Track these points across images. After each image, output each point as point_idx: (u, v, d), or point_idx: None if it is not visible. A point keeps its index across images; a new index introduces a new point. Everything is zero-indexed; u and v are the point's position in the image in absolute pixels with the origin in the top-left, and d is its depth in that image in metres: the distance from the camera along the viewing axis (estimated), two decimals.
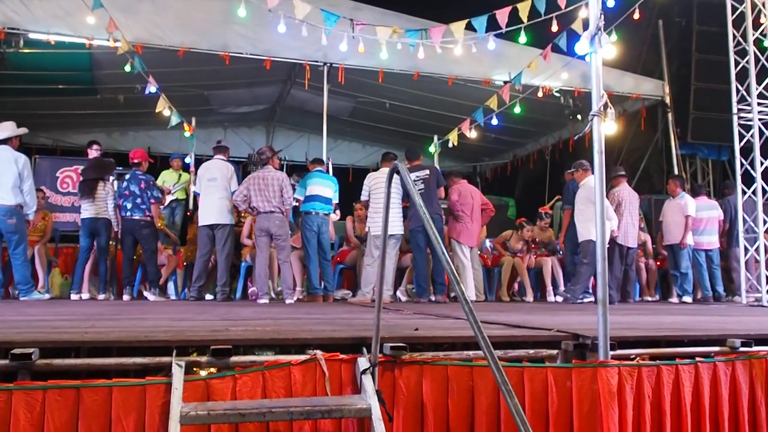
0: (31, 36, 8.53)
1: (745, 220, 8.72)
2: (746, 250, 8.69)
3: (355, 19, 7.84)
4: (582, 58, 3.24)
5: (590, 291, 7.99)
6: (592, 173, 7.79)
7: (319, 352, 2.70)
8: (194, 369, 2.61)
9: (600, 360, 2.94)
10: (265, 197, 7.17)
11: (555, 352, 3.11)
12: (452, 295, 7.70)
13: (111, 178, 7.96)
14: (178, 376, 2.45)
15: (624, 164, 12.72)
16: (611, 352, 2.97)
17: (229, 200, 7.63)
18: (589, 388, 2.88)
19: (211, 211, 7.59)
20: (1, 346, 2.51)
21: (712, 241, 9.19)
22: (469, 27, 7.67)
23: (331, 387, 2.66)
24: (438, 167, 11.28)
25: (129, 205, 7.62)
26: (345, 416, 2.54)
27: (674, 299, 9.08)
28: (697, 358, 3.15)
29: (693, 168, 12.96)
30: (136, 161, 7.88)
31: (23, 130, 7.42)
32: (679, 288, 8.92)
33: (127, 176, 7.75)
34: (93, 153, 8.58)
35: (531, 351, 3.08)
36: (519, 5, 7.16)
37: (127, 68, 8.40)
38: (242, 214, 8.58)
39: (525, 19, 7.26)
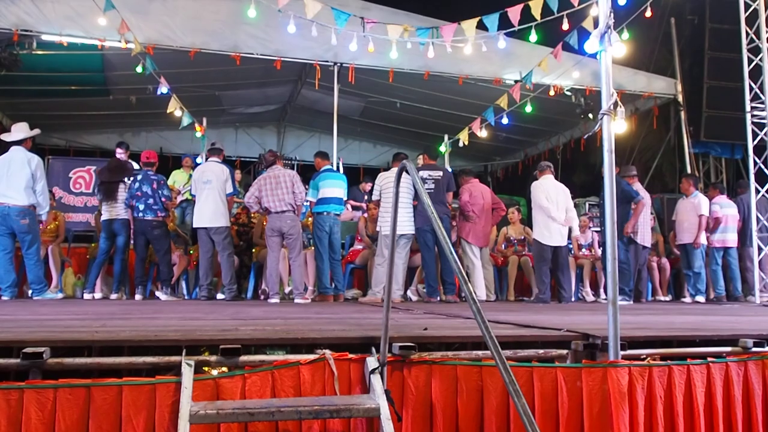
0: (44, 38, 8.59)
1: (758, 219, 8.65)
2: (759, 249, 8.63)
3: (365, 18, 7.84)
4: (593, 56, 3.21)
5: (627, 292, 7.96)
6: (550, 174, 7.99)
7: (328, 352, 2.70)
8: (204, 368, 2.62)
9: (610, 360, 2.92)
10: (277, 196, 7.19)
11: (565, 352, 3.09)
12: (463, 294, 7.69)
13: (128, 180, 7.98)
14: (188, 375, 2.46)
15: (636, 163, 12.68)
16: (621, 352, 2.94)
17: (224, 203, 7.63)
18: (599, 389, 2.86)
19: (205, 214, 7.57)
20: (12, 345, 2.52)
21: (733, 238, 9.11)
22: (481, 25, 7.66)
23: (340, 386, 2.66)
24: (449, 167, 11.33)
25: (141, 206, 7.64)
26: (354, 416, 2.54)
27: (687, 299, 9.01)
28: (709, 359, 3.13)
29: (706, 167, 12.87)
30: (150, 161, 7.92)
31: (36, 132, 7.49)
32: (692, 287, 8.86)
33: (139, 177, 7.76)
34: (120, 154, 8.66)
35: (541, 351, 3.06)
36: (531, 2, 7.13)
37: (139, 69, 8.48)
38: (252, 215, 8.61)
39: (538, 17, 7.23)
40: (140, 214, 7.65)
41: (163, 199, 7.74)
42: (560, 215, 7.95)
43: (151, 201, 7.66)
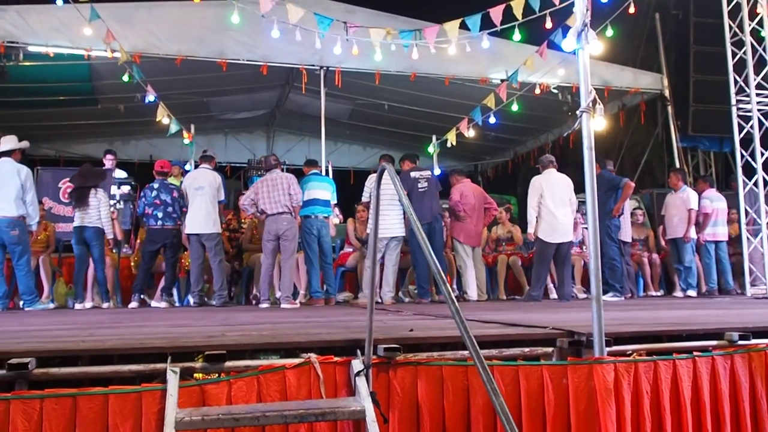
0: (31, 49, 8.59)
1: (747, 212, 8.70)
2: (749, 242, 8.68)
3: (348, 22, 7.86)
4: (574, 53, 3.24)
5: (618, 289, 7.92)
6: (552, 168, 7.89)
7: (313, 356, 2.71)
8: (192, 375, 2.63)
9: (595, 357, 2.94)
10: (274, 198, 7.20)
11: (551, 349, 3.10)
12: (456, 294, 7.70)
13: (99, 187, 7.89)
14: (173, 382, 2.47)
15: (626, 158, 12.74)
16: (607, 349, 2.96)
17: (216, 209, 7.64)
18: (585, 385, 2.87)
19: (197, 220, 7.57)
20: None
21: (723, 232, 9.14)
22: (464, 26, 7.68)
23: (326, 390, 2.67)
24: (439, 167, 11.38)
25: (160, 215, 7.63)
26: (339, 419, 2.55)
27: (678, 293, 9.04)
28: (695, 353, 3.14)
29: (695, 160, 12.94)
30: (164, 170, 7.94)
31: (25, 144, 7.46)
32: (683, 282, 8.88)
33: (156, 185, 7.75)
34: (108, 163, 8.67)
35: (526, 349, 3.08)
36: (512, 2, 7.16)
37: (126, 78, 8.47)
38: (243, 220, 8.62)
39: (519, 17, 7.26)
40: (159, 223, 7.64)
41: (184, 209, 7.76)
42: (560, 210, 7.75)
43: (170, 209, 7.68)
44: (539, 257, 7.98)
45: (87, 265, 7.79)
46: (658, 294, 9.56)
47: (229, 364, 2.65)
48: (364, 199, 7.94)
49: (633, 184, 8.25)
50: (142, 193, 7.87)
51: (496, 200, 9.28)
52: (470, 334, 1.91)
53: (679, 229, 8.86)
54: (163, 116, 9.04)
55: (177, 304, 8.42)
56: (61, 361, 2.59)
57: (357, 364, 2.69)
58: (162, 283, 8.02)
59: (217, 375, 2.65)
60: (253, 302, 8.00)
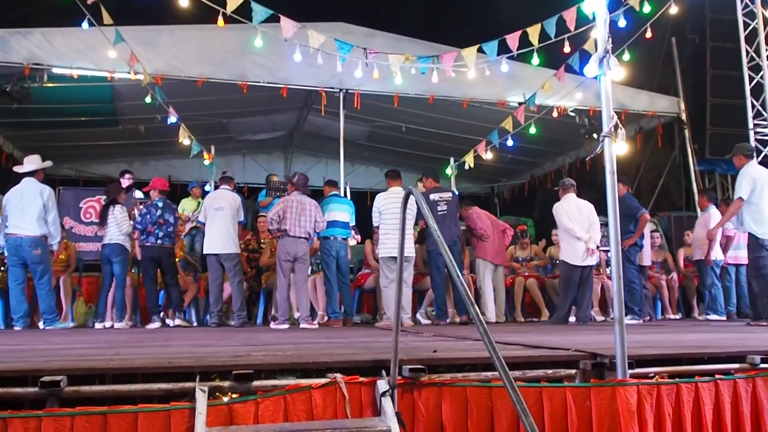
0: (55, 71, 8.75)
1: None
2: None
3: (368, 47, 7.95)
4: (596, 78, 3.28)
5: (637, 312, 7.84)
6: (572, 192, 7.92)
7: (339, 376, 2.74)
8: (217, 394, 2.66)
9: (618, 379, 2.94)
10: (299, 222, 7.22)
11: (573, 371, 3.11)
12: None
13: (119, 203, 7.97)
14: (202, 401, 2.50)
15: (643, 181, 12.72)
16: (630, 371, 2.96)
17: (236, 230, 7.71)
18: (608, 407, 2.88)
19: (216, 240, 7.64)
20: (29, 374, 2.57)
21: (745, 255, 9.02)
22: (482, 51, 7.76)
23: (351, 410, 2.69)
24: (456, 189, 11.40)
25: (161, 234, 7.71)
26: None
27: (698, 316, 8.94)
28: (717, 376, 3.14)
29: (712, 184, 12.89)
30: (166, 189, 8.05)
31: (48, 164, 7.59)
32: (706, 304, 8.77)
33: (161, 204, 7.83)
34: (125, 182, 8.80)
35: (549, 371, 3.09)
36: (529, 29, 7.24)
37: (148, 99, 8.61)
38: (262, 241, 8.67)
39: (536, 43, 7.34)
40: (159, 241, 7.72)
41: (180, 229, 7.86)
42: (585, 234, 7.77)
43: (171, 229, 7.78)
44: (564, 281, 7.94)
45: (110, 284, 7.88)
46: (677, 317, 9.49)
47: (256, 383, 2.68)
48: (375, 221, 7.71)
49: (649, 217, 8.24)
50: (144, 210, 7.90)
51: (512, 221, 9.30)
52: (499, 356, 1.94)
53: (700, 252, 8.80)
54: (184, 137, 9.17)
55: (194, 324, 8.47)
56: (85, 379, 2.62)
57: (382, 385, 2.71)
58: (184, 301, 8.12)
59: (240, 394, 2.67)
60: (272, 323, 8.03)
